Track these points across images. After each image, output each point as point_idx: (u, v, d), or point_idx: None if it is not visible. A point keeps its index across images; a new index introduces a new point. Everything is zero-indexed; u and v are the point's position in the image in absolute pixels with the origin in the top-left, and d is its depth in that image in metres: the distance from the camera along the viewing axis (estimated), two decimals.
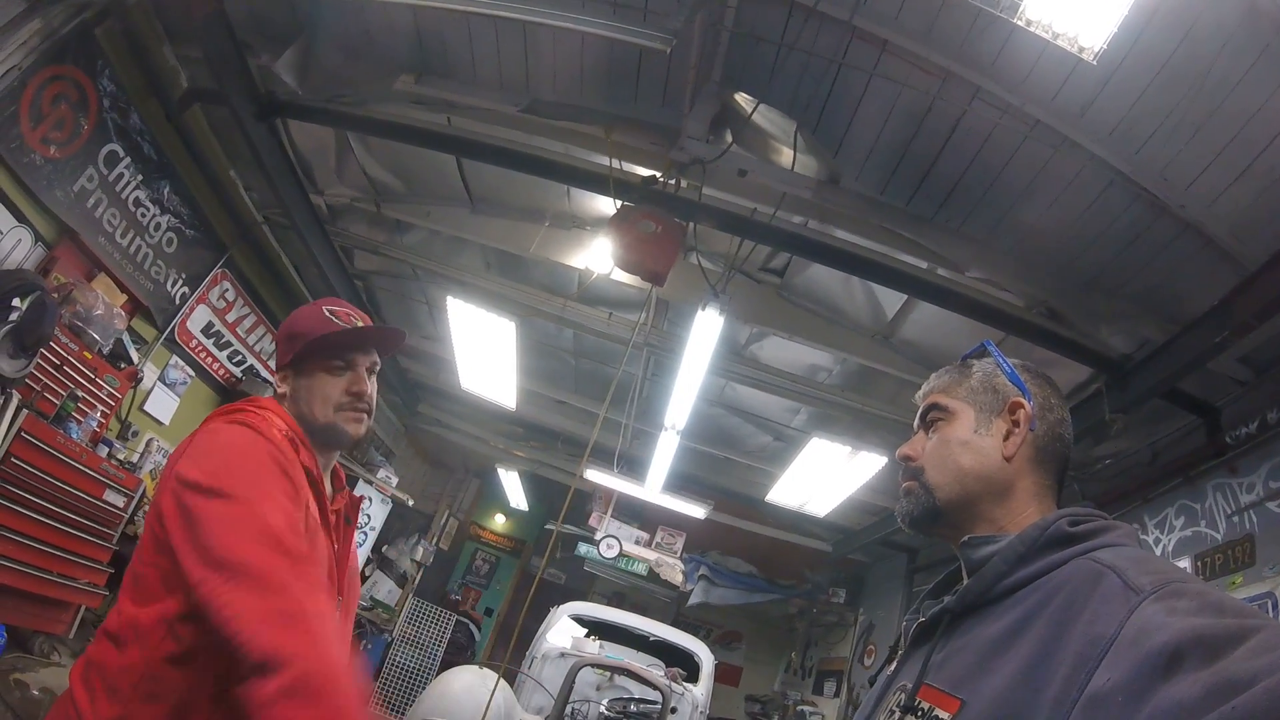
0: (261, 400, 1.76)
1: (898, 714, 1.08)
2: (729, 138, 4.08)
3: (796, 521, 9.02)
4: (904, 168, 3.81)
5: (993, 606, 1.07)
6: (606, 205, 4.67)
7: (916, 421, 1.37)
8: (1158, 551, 4.49)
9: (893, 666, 1.25)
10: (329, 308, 1.82)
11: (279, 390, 1.81)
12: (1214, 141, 3.05)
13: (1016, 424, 1.24)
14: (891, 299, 5.22)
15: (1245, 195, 3.18)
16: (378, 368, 1.86)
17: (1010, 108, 3.26)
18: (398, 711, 9.34)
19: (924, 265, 4.50)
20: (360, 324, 1.83)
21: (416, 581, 11.03)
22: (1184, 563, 4.31)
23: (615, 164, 4.28)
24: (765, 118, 4.04)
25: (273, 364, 7.54)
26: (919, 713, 1.04)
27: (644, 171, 4.26)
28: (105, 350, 5.21)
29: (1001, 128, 3.37)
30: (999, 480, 1.21)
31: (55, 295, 4.58)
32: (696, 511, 8.49)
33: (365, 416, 1.80)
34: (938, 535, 1.28)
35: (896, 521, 5.02)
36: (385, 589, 10.30)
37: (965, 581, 1.18)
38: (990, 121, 3.36)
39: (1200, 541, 4.34)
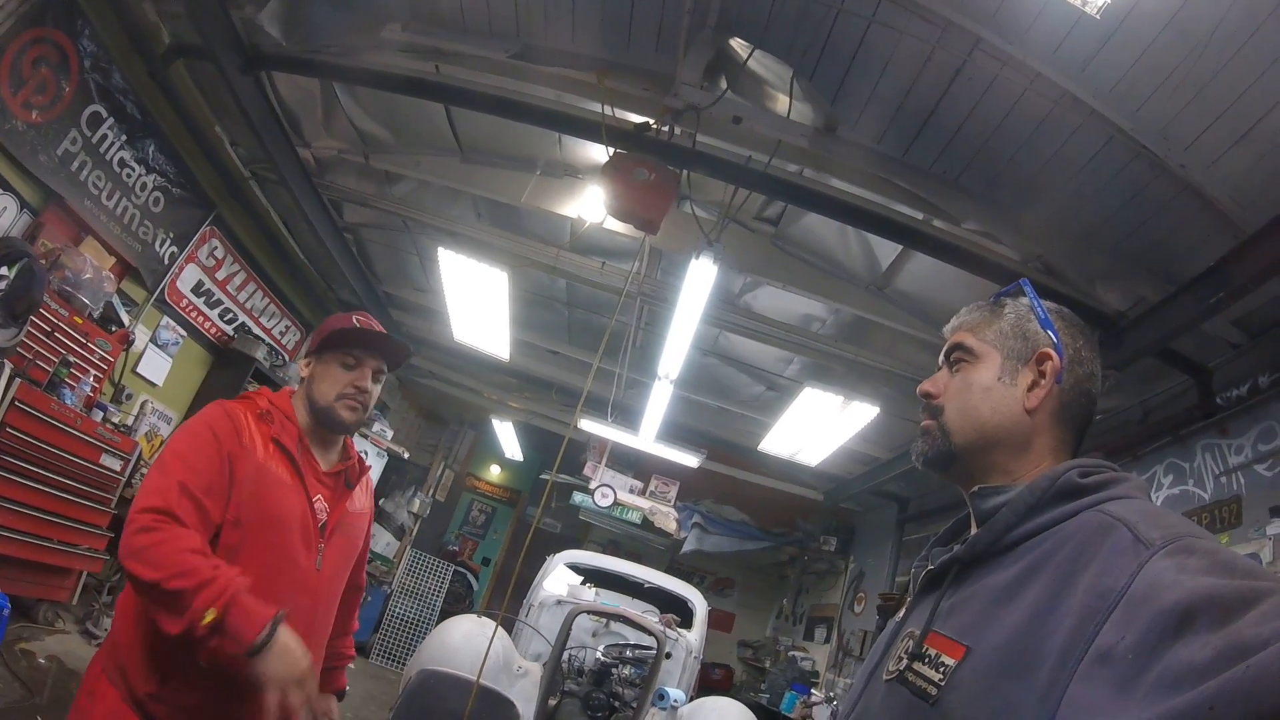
0: (264, 390, 2.14)
1: (906, 660, 1.09)
2: (724, 84, 4.01)
3: (789, 470, 9.09)
4: (902, 118, 3.75)
5: (1001, 556, 1.07)
6: (599, 153, 4.61)
7: (941, 357, 1.33)
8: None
9: (901, 614, 1.25)
10: (357, 317, 2.16)
11: (301, 373, 2.16)
12: (1216, 103, 2.99)
13: (1043, 375, 1.20)
14: (887, 250, 5.19)
15: (1245, 158, 3.14)
16: (384, 375, 2.19)
17: (1011, 59, 3.20)
18: (398, 661, 9.51)
19: (920, 216, 4.46)
20: (363, 331, 2.15)
21: (414, 533, 11.15)
22: None
23: (608, 111, 4.20)
24: (761, 64, 3.96)
25: (264, 320, 7.59)
26: (926, 659, 1.05)
27: (637, 118, 4.19)
28: (96, 314, 5.18)
29: (1002, 79, 3.30)
30: (1018, 433, 1.19)
31: (43, 261, 4.54)
32: (690, 460, 8.56)
33: (360, 408, 2.12)
34: (950, 479, 1.26)
35: (887, 471, 5.07)
36: (383, 541, 10.42)
37: (974, 531, 1.18)
38: (990, 73, 3.30)
39: (1188, 500, 4.39)
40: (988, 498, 1.17)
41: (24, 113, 4.43)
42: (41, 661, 4.54)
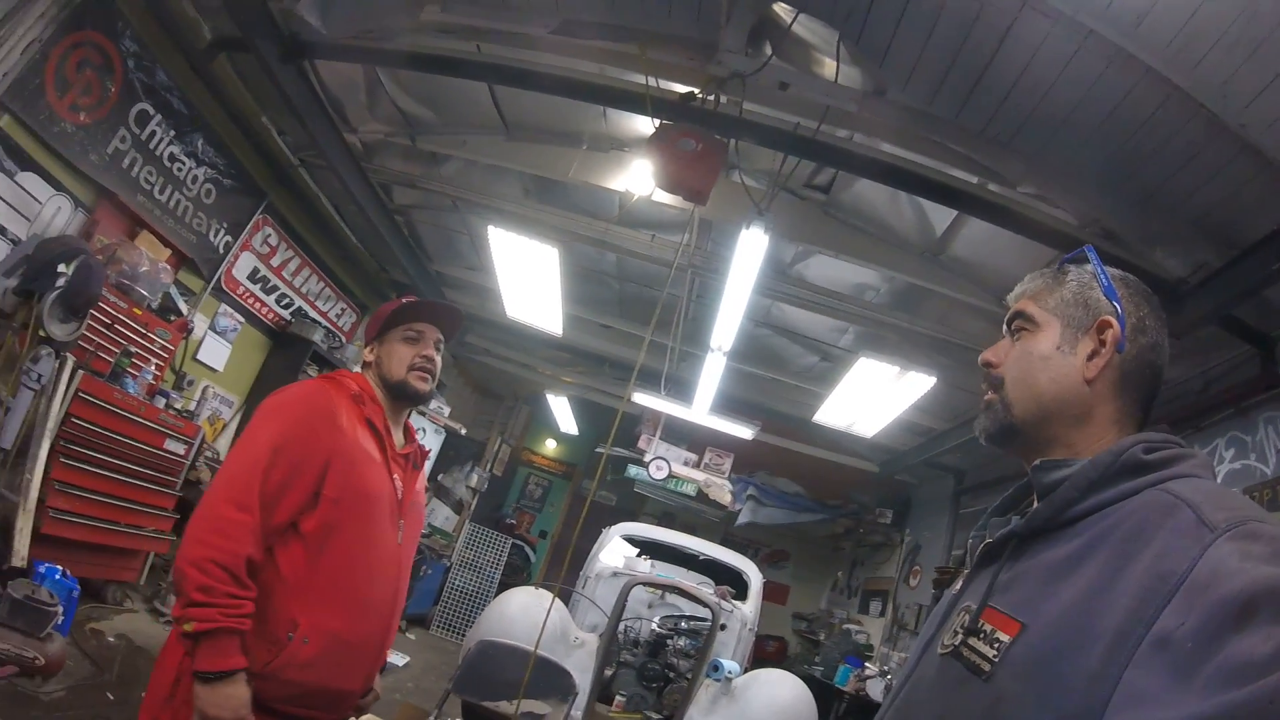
0: (347, 372, 2.25)
1: (961, 635, 1.08)
2: (768, 50, 3.92)
3: (843, 442, 9.01)
4: (952, 79, 3.63)
5: (1061, 531, 1.04)
6: (644, 125, 4.56)
7: (1004, 325, 1.29)
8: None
9: (957, 586, 1.23)
10: (407, 299, 2.29)
11: (366, 360, 2.27)
12: (1275, 59, 2.82)
13: (1103, 344, 1.16)
14: (941, 215, 5.06)
15: None
16: (442, 344, 2.31)
17: (1062, 16, 3.06)
18: (458, 633, 9.72)
19: (974, 180, 4.33)
20: (419, 301, 2.30)
21: (472, 507, 11.35)
22: None
23: (651, 82, 4.15)
24: (806, 28, 3.87)
25: (320, 304, 7.76)
26: (981, 634, 1.03)
27: (681, 88, 4.13)
28: (154, 305, 5.35)
29: (1053, 38, 3.16)
30: (1077, 403, 1.15)
31: (100, 257, 4.68)
32: (744, 432, 8.53)
33: (430, 377, 2.24)
34: (1013, 453, 1.23)
35: (944, 443, 5.00)
36: (442, 516, 10.63)
37: (1035, 504, 1.16)
38: (1042, 31, 3.16)
39: (1249, 475, 4.23)
40: (1049, 471, 1.13)
41: (71, 115, 4.56)
42: (111, 640, 4.74)
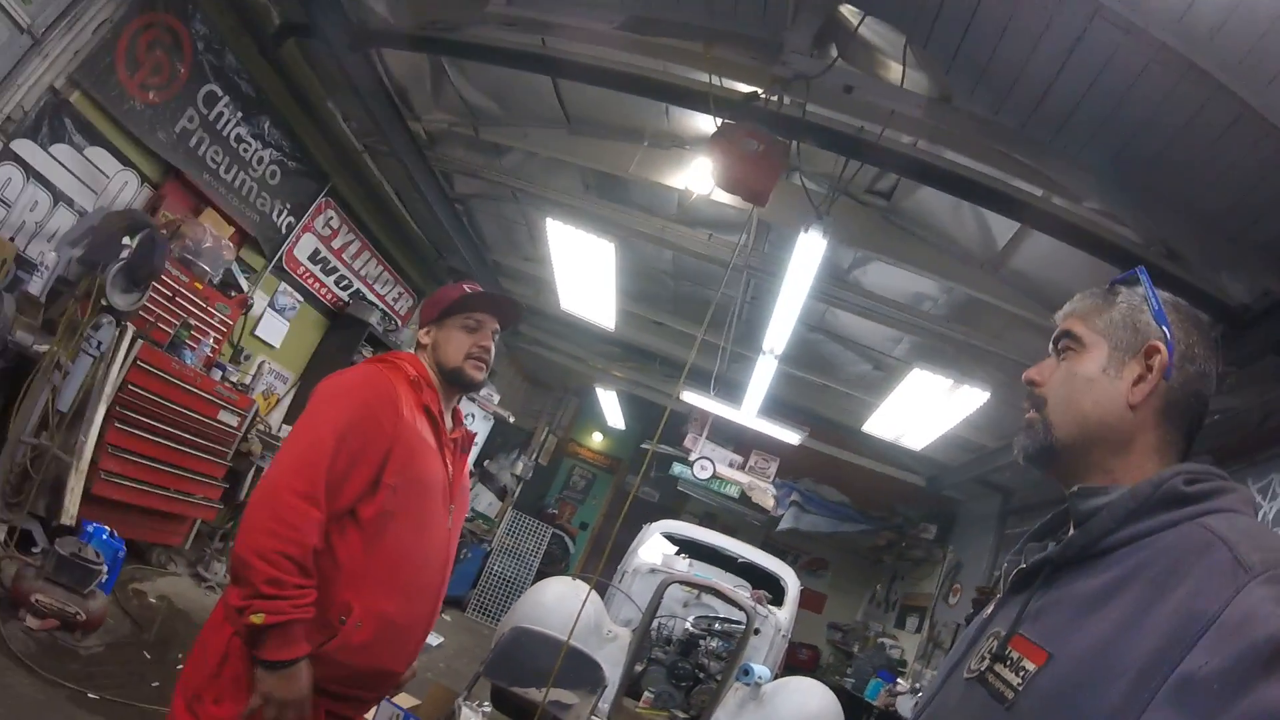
0: (402, 354, 2.26)
1: (988, 660, 1.07)
2: (834, 52, 3.88)
3: (891, 453, 8.88)
4: (1020, 88, 3.54)
5: (1095, 561, 1.02)
6: (706, 123, 4.55)
7: (1050, 344, 1.27)
8: (1259, 519, 4.22)
9: (989, 610, 1.22)
10: (469, 286, 2.31)
11: (421, 341, 2.28)
12: None
13: (1150, 369, 1.12)
14: (1003, 227, 4.94)
15: None
16: (498, 334, 2.33)
17: (1133, 27, 2.96)
18: (493, 617, 9.84)
19: (1039, 193, 4.22)
20: (484, 294, 2.31)
21: (516, 495, 11.45)
22: None
23: (715, 80, 4.14)
24: (872, 30, 3.81)
25: (378, 287, 7.89)
26: (1008, 661, 1.02)
27: (745, 88, 4.10)
28: (215, 280, 5.52)
29: (1124, 50, 3.06)
30: (1120, 429, 1.12)
31: (164, 231, 4.83)
32: (791, 437, 8.46)
33: (485, 366, 2.27)
34: (1052, 476, 1.21)
35: (993, 461, 4.89)
36: (486, 501, 10.75)
37: (1071, 531, 1.14)
38: (1112, 42, 3.06)
39: None
40: (1087, 498, 1.11)
41: (141, 93, 4.71)
42: (152, 601, 4.91)
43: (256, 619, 1.74)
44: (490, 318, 2.29)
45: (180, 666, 4.22)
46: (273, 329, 6.92)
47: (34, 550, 4.21)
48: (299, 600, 1.79)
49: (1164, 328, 1.14)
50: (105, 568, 4.02)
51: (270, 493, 1.85)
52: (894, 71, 3.84)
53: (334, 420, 1.93)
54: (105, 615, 4.06)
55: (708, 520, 11.94)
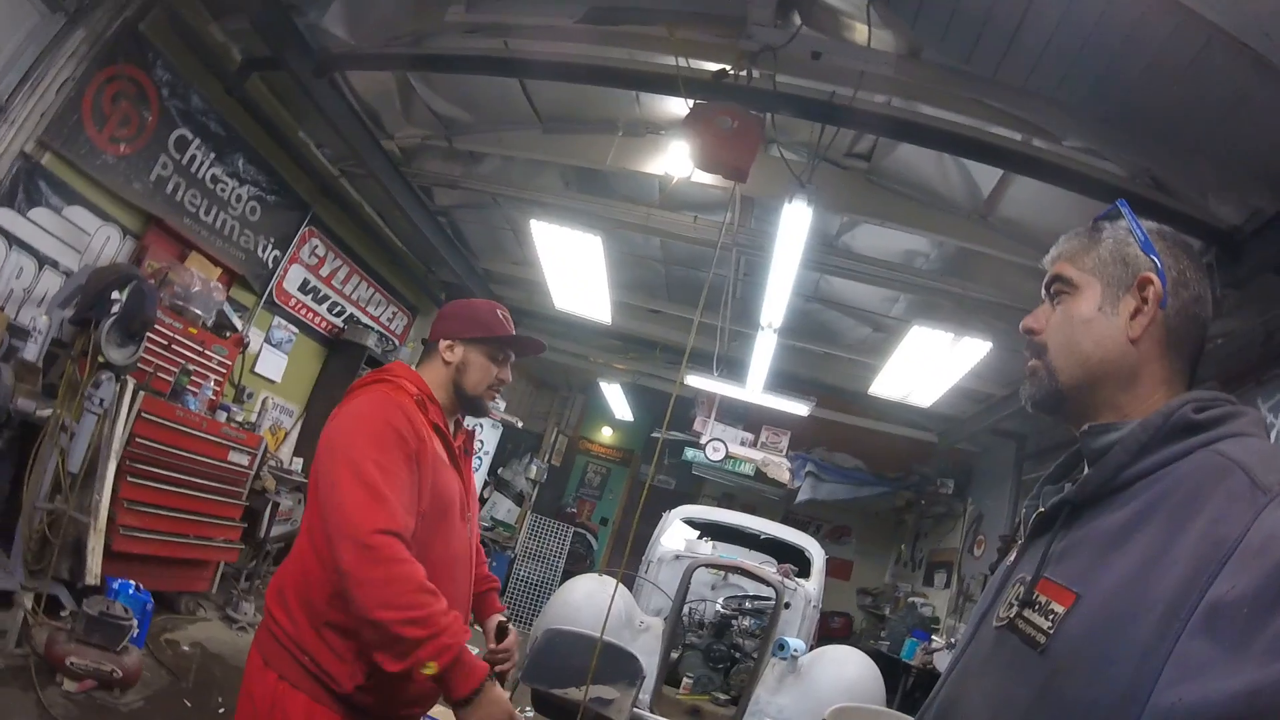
0: (394, 369, 2.19)
1: (1016, 607, 1.06)
2: (797, 20, 3.85)
3: (901, 413, 8.89)
4: (988, 33, 3.51)
5: (1113, 497, 1.02)
6: (679, 106, 4.53)
7: (1042, 290, 1.26)
8: (1271, 437, 4.22)
9: (1012, 557, 1.21)
10: (501, 312, 2.30)
11: (445, 357, 2.23)
12: None
13: (1145, 302, 1.11)
14: (987, 176, 4.92)
15: None
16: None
17: None
18: (525, 623, 9.86)
19: (1019, 137, 4.20)
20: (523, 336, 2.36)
21: (533, 499, 11.48)
22: None
23: (682, 62, 4.12)
24: None
25: (371, 310, 7.83)
26: (1036, 606, 1.02)
27: (713, 66, 4.08)
28: (209, 323, 5.51)
29: None
30: (1124, 365, 1.11)
31: (152, 280, 4.80)
32: (799, 409, 8.47)
33: (498, 396, 2.36)
34: (1062, 420, 1.20)
35: (1003, 409, 4.88)
36: (504, 509, 10.78)
37: (1085, 471, 1.13)
38: None
39: None
40: (1098, 436, 1.11)
41: (112, 147, 4.70)
42: (186, 649, 4.91)
43: (429, 670, 1.70)
44: (517, 353, 2.35)
45: (222, 710, 4.24)
46: (272, 364, 6.91)
47: (63, 614, 4.20)
48: (446, 624, 1.75)
49: (1153, 257, 1.13)
50: (135, 622, 4.02)
51: (356, 548, 1.76)
52: (860, 32, 3.81)
53: (370, 460, 1.87)
54: (141, 669, 4.06)
55: (726, 501, 11.96)
